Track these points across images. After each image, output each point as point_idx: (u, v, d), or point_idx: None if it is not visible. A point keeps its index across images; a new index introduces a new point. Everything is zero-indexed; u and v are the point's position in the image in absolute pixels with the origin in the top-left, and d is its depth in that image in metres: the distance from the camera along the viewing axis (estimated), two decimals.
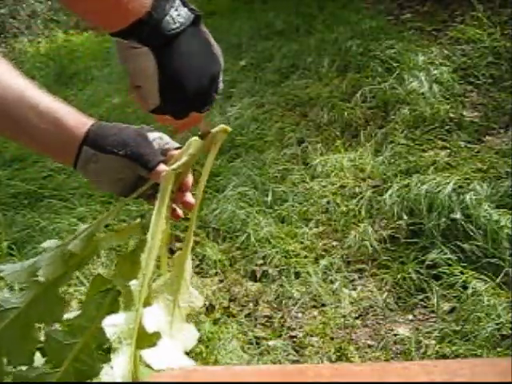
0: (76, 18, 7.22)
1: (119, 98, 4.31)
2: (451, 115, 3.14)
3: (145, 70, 0.71)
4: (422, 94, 3.29)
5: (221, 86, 0.77)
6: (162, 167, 0.81)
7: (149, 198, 0.84)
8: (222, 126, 0.82)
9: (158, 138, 0.85)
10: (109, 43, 6.08)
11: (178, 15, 0.69)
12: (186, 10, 0.70)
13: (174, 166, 0.80)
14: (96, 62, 5.52)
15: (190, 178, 0.85)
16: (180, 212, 0.85)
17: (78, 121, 0.83)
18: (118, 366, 0.67)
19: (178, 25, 0.69)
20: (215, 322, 2.25)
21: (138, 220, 0.84)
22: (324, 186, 2.88)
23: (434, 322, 2.14)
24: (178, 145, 0.86)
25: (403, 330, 2.13)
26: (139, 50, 0.70)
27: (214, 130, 0.82)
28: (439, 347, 2.00)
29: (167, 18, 0.68)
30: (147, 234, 0.77)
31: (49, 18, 6.99)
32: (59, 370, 0.73)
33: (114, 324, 0.69)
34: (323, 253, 2.53)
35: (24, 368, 0.75)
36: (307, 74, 3.90)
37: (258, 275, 2.48)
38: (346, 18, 4.39)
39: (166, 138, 0.86)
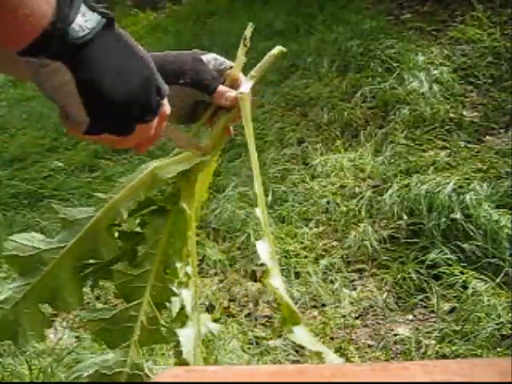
0: None
1: None
2: (451, 115, 3.14)
3: (62, 87, 0.65)
4: (422, 93, 3.29)
5: (165, 88, 0.71)
6: (222, 88, 0.81)
7: (209, 121, 0.84)
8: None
9: (212, 60, 0.83)
10: None
11: (85, 21, 0.62)
12: (94, 14, 0.63)
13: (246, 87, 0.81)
14: None
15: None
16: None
17: None
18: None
19: (87, 31, 0.62)
20: (215, 322, 2.24)
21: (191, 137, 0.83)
22: (324, 186, 2.88)
23: (434, 321, 2.14)
24: (232, 63, 0.85)
25: (403, 330, 2.13)
26: (51, 66, 0.63)
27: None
28: (439, 347, 2.00)
29: (73, 25, 0.61)
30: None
31: None
32: (137, 302, 0.74)
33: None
34: (323, 253, 2.53)
35: (96, 312, 0.77)
36: (307, 73, 3.91)
37: (258, 275, 2.48)
38: (346, 18, 4.39)
39: (220, 58, 0.85)
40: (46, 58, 0.63)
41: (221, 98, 0.82)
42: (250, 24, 0.83)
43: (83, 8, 0.62)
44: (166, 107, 0.73)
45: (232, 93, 0.82)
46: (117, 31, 0.66)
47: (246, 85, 0.83)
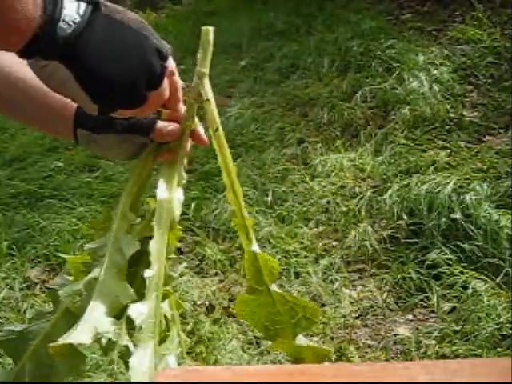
0: None
1: None
2: (451, 115, 3.14)
3: (65, 83, 0.66)
4: (422, 94, 3.29)
5: (165, 48, 0.69)
6: (160, 125, 0.78)
7: (158, 155, 0.81)
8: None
9: None
10: None
11: (71, 15, 0.62)
12: (80, 3, 0.63)
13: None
14: None
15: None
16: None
17: (65, 104, 0.79)
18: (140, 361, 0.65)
19: (74, 26, 0.62)
20: (215, 321, 2.25)
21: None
22: (324, 186, 2.88)
23: (434, 322, 2.14)
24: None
25: (403, 330, 2.13)
26: (50, 66, 0.65)
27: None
28: (439, 347, 2.00)
29: (60, 24, 0.61)
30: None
31: None
32: None
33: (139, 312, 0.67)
34: (323, 253, 2.53)
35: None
36: (307, 73, 3.91)
37: None
38: (346, 18, 4.39)
39: None
40: (41, 58, 0.63)
41: (162, 136, 0.78)
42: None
43: (67, 0, 0.62)
44: (170, 64, 0.71)
45: (173, 126, 0.78)
46: (104, 11, 0.65)
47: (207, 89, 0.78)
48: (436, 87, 3.32)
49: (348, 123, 3.34)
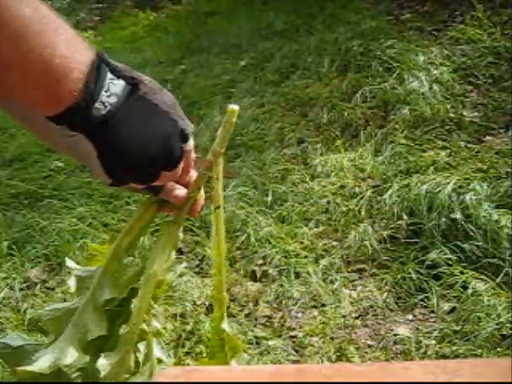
0: (76, 17, 7.23)
1: None
2: (451, 115, 3.14)
3: (86, 155, 0.68)
4: (422, 94, 3.29)
5: (189, 129, 0.71)
6: (171, 185, 0.79)
7: (161, 208, 0.82)
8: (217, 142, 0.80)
9: None
10: (109, 43, 6.08)
11: (108, 96, 0.64)
12: (120, 83, 0.65)
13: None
14: None
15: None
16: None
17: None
18: None
19: (109, 108, 0.64)
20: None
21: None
22: (324, 186, 2.88)
23: (434, 321, 2.14)
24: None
25: (403, 330, 2.13)
26: (74, 137, 0.67)
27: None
28: (439, 347, 2.00)
29: (96, 104, 0.63)
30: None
31: None
32: None
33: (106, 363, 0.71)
34: (323, 253, 2.53)
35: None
36: (307, 73, 3.91)
37: (258, 275, 2.48)
38: (346, 18, 4.39)
39: None
40: (69, 129, 0.65)
41: (169, 196, 0.79)
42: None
43: (108, 78, 0.64)
44: (190, 146, 0.73)
45: (181, 191, 0.79)
46: (141, 92, 0.67)
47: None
48: (436, 87, 3.32)
49: (348, 123, 3.34)
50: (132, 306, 0.74)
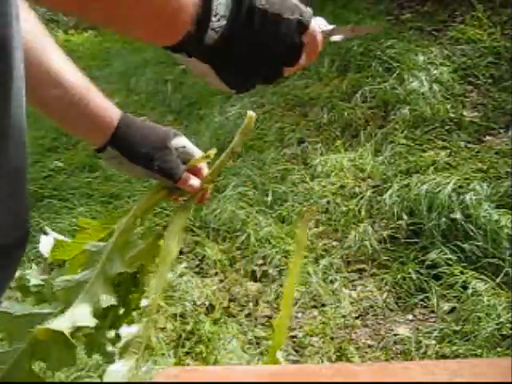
0: (76, 18, 7.23)
1: (119, 97, 4.31)
2: (451, 115, 3.14)
3: (204, 74, 0.71)
4: (422, 93, 3.29)
5: (307, 15, 0.72)
6: (186, 175, 0.87)
7: (171, 193, 0.90)
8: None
9: (181, 147, 0.89)
10: (109, 43, 6.08)
11: (218, 20, 0.65)
12: (225, 1, 0.65)
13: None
14: (96, 61, 5.52)
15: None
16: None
17: (105, 117, 0.85)
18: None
19: (221, 32, 0.65)
20: (215, 322, 2.25)
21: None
22: (324, 186, 2.88)
23: (434, 321, 2.14)
24: (201, 153, 0.90)
25: (403, 330, 2.13)
26: (192, 60, 0.69)
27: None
28: (439, 347, 2.00)
29: (209, 32, 0.65)
30: None
31: (49, 18, 6.99)
32: None
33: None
34: (323, 253, 2.53)
35: None
36: (307, 74, 3.90)
37: (258, 275, 2.48)
38: (346, 17, 4.39)
39: (190, 146, 0.90)
40: (187, 56, 0.67)
41: (184, 185, 0.87)
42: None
43: (215, 1, 0.64)
44: (312, 30, 0.74)
45: (195, 181, 0.88)
46: (247, 1, 0.66)
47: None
48: (436, 87, 3.32)
49: (348, 123, 3.34)
50: (151, 282, 0.80)
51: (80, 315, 0.72)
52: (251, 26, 0.67)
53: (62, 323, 0.70)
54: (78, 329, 0.71)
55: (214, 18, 0.64)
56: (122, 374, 0.72)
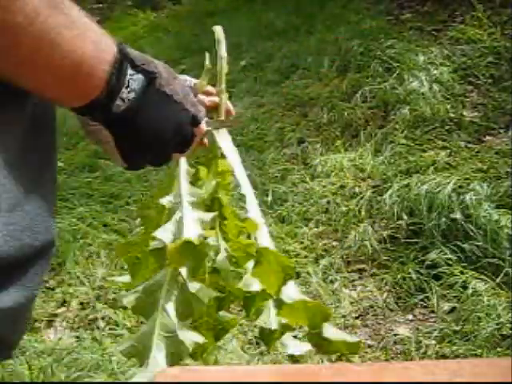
0: None
1: None
2: (451, 115, 3.14)
3: (105, 142, 0.75)
4: (422, 93, 3.29)
5: (200, 114, 0.79)
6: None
7: None
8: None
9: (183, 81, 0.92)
10: None
11: (128, 92, 0.69)
12: (139, 78, 0.69)
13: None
14: None
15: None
16: None
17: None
18: None
19: (128, 104, 0.69)
20: None
21: None
22: (324, 186, 2.88)
23: (434, 321, 2.14)
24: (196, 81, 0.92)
25: (403, 330, 2.13)
26: (95, 126, 0.73)
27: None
28: (439, 347, 2.00)
29: (117, 101, 0.68)
30: None
31: None
32: None
33: None
34: (323, 253, 2.53)
35: None
36: (307, 73, 3.90)
37: None
38: (346, 17, 4.39)
39: (190, 79, 0.92)
40: (90, 120, 0.72)
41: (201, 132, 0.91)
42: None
43: (129, 74, 0.69)
44: (201, 128, 0.81)
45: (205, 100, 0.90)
46: (157, 85, 0.72)
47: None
48: (436, 87, 3.32)
49: (348, 123, 3.34)
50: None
51: (192, 225, 0.77)
52: (155, 106, 0.72)
53: (189, 232, 0.75)
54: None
55: (124, 90, 0.68)
56: None
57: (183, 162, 0.85)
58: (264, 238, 0.96)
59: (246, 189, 0.96)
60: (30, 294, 0.70)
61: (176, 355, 0.71)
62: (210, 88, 0.92)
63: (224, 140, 0.90)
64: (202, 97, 0.89)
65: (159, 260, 0.77)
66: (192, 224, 0.78)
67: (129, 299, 0.74)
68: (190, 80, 0.91)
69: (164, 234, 0.77)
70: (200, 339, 0.73)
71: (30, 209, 0.68)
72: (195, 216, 0.79)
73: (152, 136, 0.73)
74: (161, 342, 0.71)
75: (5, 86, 0.62)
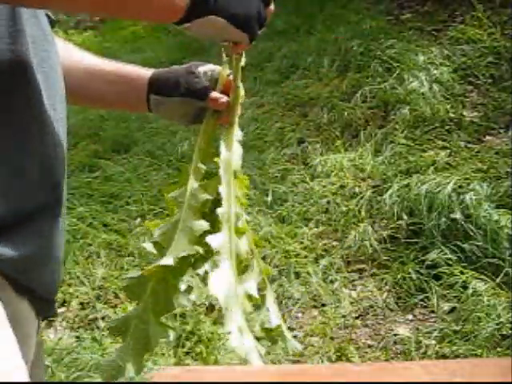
0: (76, 17, 7.23)
1: None
2: (451, 115, 3.14)
3: (215, 30, 0.84)
4: (422, 93, 3.29)
5: None
6: (214, 95, 0.94)
7: (218, 118, 0.98)
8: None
9: (209, 71, 0.98)
10: (109, 43, 6.08)
11: None
12: None
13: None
14: None
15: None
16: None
17: (140, 74, 1.00)
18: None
19: None
20: (215, 322, 2.25)
21: None
22: (324, 186, 2.88)
23: (434, 322, 2.14)
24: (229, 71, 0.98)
25: (403, 330, 2.13)
26: (195, 23, 0.80)
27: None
28: (439, 347, 2.00)
29: None
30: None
31: None
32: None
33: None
34: (323, 253, 2.53)
35: None
36: (307, 74, 3.91)
37: None
38: (346, 17, 4.39)
39: (217, 67, 0.99)
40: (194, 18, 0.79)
41: (214, 103, 0.95)
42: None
43: None
44: (271, 8, 0.90)
45: (223, 98, 0.95)
46: None
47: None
48: (436, 87, 3.32)
49: (348, 123, 3.34)
50: (220, 193, 0.87)
51: (180, 248, 0.81)
52: None
53: (167, 260, 0.79)
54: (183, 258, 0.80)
55: None
56: (224, 282, 0.80)
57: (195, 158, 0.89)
58: None
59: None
60: (45, 241, 0.75)
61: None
62: (231, 78, 0.98)
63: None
64: (217, 94, 0.95)
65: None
66: (182, 241, 0.82)
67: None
68: (215, 68, 0.98)
69: None
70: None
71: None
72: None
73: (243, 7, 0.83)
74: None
75: None
